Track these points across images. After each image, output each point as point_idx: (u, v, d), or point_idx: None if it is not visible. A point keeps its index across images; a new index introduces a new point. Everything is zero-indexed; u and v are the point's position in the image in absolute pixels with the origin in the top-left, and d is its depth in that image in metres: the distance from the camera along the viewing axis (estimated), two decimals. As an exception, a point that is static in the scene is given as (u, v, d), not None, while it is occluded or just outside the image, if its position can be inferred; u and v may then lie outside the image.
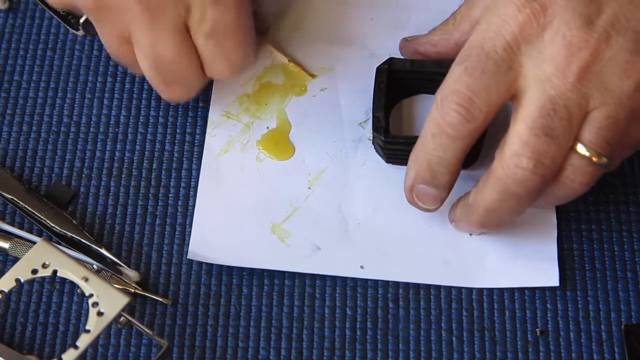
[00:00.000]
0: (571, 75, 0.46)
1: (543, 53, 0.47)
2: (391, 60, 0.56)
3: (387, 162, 0.57)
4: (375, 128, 0.55)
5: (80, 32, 0.60)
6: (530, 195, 0.48)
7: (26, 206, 0.56)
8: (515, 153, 0.47)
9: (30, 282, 0.54)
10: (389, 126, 0.57)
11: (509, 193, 0.48)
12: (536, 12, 0.47)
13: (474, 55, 0.48)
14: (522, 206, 0.49)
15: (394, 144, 0.55)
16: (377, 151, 0.57)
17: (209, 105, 0.59)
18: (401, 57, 0.57)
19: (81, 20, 0.59)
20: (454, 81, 0.48)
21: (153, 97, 0.60)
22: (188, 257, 0.54)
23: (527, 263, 0.54)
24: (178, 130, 0.59)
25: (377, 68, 0.56)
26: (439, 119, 0.48)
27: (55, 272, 0.49)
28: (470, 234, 0.55)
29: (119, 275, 0.54)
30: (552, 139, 0.47)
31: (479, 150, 0.55)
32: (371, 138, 0.57)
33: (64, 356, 0.47)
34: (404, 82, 0.57)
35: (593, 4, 0.47)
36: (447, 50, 0.54)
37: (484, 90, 0.47)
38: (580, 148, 0.47)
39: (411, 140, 0.55)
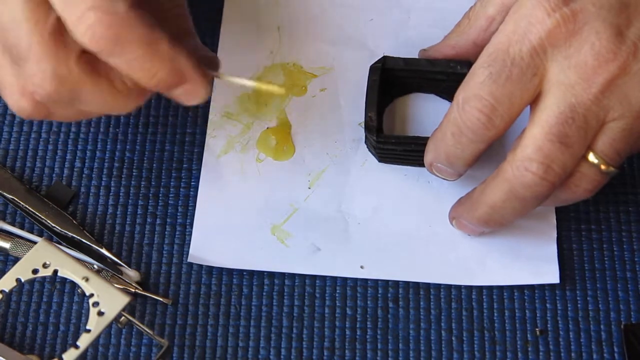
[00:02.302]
0: (595, 87, 0.46)
1: (569, 59, 0.46)
2: (385, 59, 0.56)
3: (379, 161, 0.57)
4: (367, 128, 0.55)
5: None
6: (536, 199, 0.48)
7: (27, 206, 0.56)
8: (527, 156, 0.47)
9: (31, 282, 0.54)
10: (382, 125, 0.57)
11: (515, 195, 0.48)
12: (566, 18, 0.46)
13: (499, 60, 0.47)
14: (527, 209, 0.49)
15: (386, 143, 0.55)
16: (369, 150, 0.57)
17: (209, 105, 0.59)
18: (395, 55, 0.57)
19: None
20: (478, 85, 0.47)
21: (153, 97, 0.60)
22: (188, 261, 0.54)
23: (528, 261, 0.54)
24: (178, 130, 0.59)
25: (370, 66, 0.56)
26: (460, 121, 0.48)
27: (55, 272, 0.49)
28: (469, 235, 0.55)
29: (119, 275, 0.54)
30: (567, 146, 0.46)
31: None
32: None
33: (64, 356, 0.47)
34: (397, 81, 0.57)
35: (623, 14, 0.46)
36: (466, 51, 0.54)
37: (508, 98, 0.47)
38: (591, 157, 0.47)
39: (403, 141, 0.55)
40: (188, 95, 0.48)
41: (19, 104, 0.49)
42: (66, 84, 0.47)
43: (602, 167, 0.47)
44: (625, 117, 0.46)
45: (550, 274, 0.54)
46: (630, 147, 0.48)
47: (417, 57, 0.57)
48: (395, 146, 0.55)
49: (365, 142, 0.57)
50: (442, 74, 0.56)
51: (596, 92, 0.46)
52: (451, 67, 0.55)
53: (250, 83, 0.50)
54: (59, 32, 0.46)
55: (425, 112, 0.59)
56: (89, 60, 0.47)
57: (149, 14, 0.47)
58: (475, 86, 0.47)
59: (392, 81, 0.57)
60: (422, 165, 0.54)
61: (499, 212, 0.50)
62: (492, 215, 0.50)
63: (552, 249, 0.55)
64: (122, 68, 0.47)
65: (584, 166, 0.47)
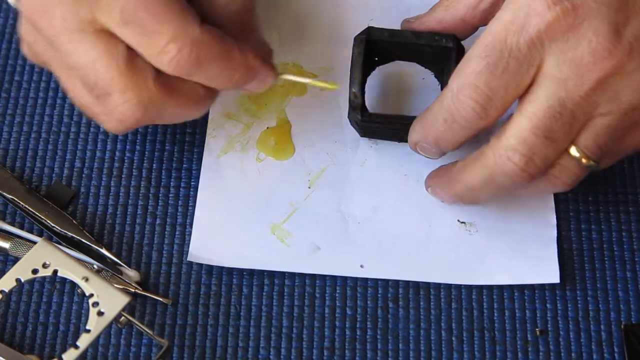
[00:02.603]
0: (588, 83, 0.46)
1: (566, 54, 0.46)
2: (369, 30, 0.55)
3: (361, 136, 0.57)
4: (352, 105, 0.55)
5: None
6: (513, 187, 0.49)
7: (27, 206, 0.56)
8: (510, 146, 0.47)
9: (31, 282, 0.54)
10: (365, 97, 0.57)
11: (493, 181, 0.49)
12: (566, 12, 0.46)
13: (496, 51, 0.47)
14: (503, 193, 0.50)
15: (370, 122, 0.55)
16: (352, 125, 0.57)
17: (209, 105, 0.60)
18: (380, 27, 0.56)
19: None
20: (474, 75, 0.47)
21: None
22: (188, 260, 0.54)
23: (528, 260, 0.54)
24: (178, 130, 0.59)
25: (355, 37, 0.55)
26: (453, 108, 0.48)
27: (55, 272, 0.49)
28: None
29: (119, 275, 0.54)
30: (551, 141, 0.47)
31: None
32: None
33: (64, 356, 0.47)
34: (381, 53, 0.57)
35: (622, 12, 0.46)
36: (453, 26, 0.53)
37: (503, 89, 0.47)
38: (573, 150, 0.47)
39: (388, 120, 0.55)
40: (258, 86, 0.52)
41: (114, 127, 0.51)
42: (150, 108, 0.49)
43: (583, 160, 0.48)
44: (612, 114, 0.47)
45: (550, 274, 0.54)
46: (613, 143, 0.48)
47: (402, 30, 0.56)
48: (380, 125, 0.55)
49: (348, 116, 0.57)
50: (426, 47, 0.55)
51: (588, 89, 0.46)
52: (436, 40, 0.54)
53: (305, 80, 0.55)
54: (133, 60, 0.49)
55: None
56: (164, 80, 0.49)
57: (212, 14, 0.50)
58: (472, 75, 0.47)
59: (375, 52, 0.56)
60: (403, 140, 0.54)
61: (475, 193, 0.51)
62: (467, 194, 0.51)
63: (552, 249, 0.55)
64: (202, 81, 0.50)
65: (565, 159, 0.48)
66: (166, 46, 0.47)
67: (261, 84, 0.52)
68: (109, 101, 0.49)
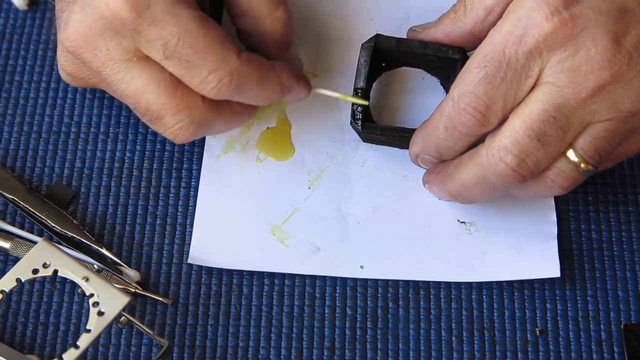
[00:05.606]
0: (585, 92, 0.46)
1: (564, 63, 0.46)
2: (377, 37, 0.56)
3: (364, 141, 0.57)
4: (353, 114, 0.55)
5: None
6: (506, 188, 0.49)
7: (27, 206, 0.56)
8: (503, 146, 0.47)
9: (31, 281, 0.54)
10: (370, 105, 0.57)
11: (485, 180, 0.49)
12: (564, 22, 0.46)
13: (495, 61, 0.47)
14: (496, 193, 0.51)
15: (371, 133, 0.56)
16: (353, 129, 0.57)
17: (209, 105, 0.60)
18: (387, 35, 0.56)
19: None
20: (473, 84, 0.48)
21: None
22: (188, 262, 0.54)
23: (528, 256, 0.54)
24: (178, 130, 0.59)
25: (362, 45, 0.56)
26: (454, 116, 0.49)
27: (55, 272, 0.49)
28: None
29: (119, 275, 0.54)
30: (543, 144, 0.47)
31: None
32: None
33: (64, 356, 0.47)
34: (388, 59, 0.57)
35: (621, 21, 0.46)
36: (461, 40, 0.54)
37: (502, 98, 0.48)
38: (571, 154, 0.48)
39: (388, 133, 0.55)
40: (294, 98, 0.54)
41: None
42: (202, 126, 0.51)
43: (582, 165, 0.48)
44: (611, 121, 0.47)
45: (551, 269, 0.54)
46: (612, 149, 0.48)
47: (409, 39, 0.56)
48: (381, 137, 0.56)
49: (350, 123, 0.57)
50: (433, 56, 0.55)
51: (585, 97, 0.46)
52: (443, 51, 0.54)
53: (336, 95, 0.55)
54: (181, 82, 0.50)
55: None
56: (211, 99, 0.51)
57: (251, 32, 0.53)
58: (471, 84, 0.48)
59: (382, 59, 0.57)
60: (404, 147, 0.55)
61: (468, 192, 0.51)
62: (461, 192, 0.52)
63: (553, 244, 0.55)
64: (242, 101, 0.52)
65: (562, 162, 0.48)
66: (207, 77, 0.49)
67: (296, 97, 0.54)
68: (162, 124, 0.51)
